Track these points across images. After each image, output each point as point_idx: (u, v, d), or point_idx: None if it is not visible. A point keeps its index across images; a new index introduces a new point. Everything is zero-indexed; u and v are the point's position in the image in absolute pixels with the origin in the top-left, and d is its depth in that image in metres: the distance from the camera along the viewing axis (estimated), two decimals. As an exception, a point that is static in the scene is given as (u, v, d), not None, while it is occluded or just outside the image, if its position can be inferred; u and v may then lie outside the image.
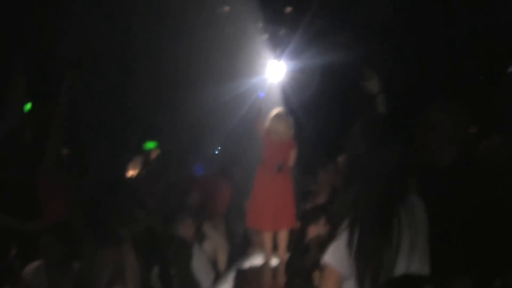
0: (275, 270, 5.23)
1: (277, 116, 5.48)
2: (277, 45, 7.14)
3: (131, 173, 8.80)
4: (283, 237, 5.31)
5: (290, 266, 4.83)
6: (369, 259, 2.00)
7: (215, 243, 5.03)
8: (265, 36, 7.09)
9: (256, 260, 5.70)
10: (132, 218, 3.60)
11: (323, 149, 8.45)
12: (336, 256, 2.06)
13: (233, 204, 6.17)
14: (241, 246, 6.26)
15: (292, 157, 5.59)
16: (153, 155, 7.19)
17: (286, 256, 5.21)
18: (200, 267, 4.40)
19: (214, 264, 4.93)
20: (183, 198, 5.61)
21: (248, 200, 6.62)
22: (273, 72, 6.72)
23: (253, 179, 6.72)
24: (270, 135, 5.39)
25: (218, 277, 4.97)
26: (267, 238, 5.28)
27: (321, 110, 8.61)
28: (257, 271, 5.28)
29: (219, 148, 8.36)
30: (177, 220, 4.46)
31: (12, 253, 3.71)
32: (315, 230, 4.28)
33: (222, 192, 5.91)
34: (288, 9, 7.20)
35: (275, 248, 5.47)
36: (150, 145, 10.86)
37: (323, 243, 3.86)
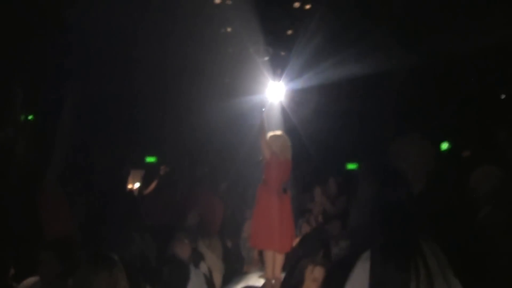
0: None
1: (279, 137, 5.55)
2: (277, 66, 7.24)
3: (130, 186, 8.87)
4: (279, 257, 5.37)
5: (285, 285, 4.89)
6: None
7: (210, 262, 5.07)
8: (265, 57, 7.18)
9: (252, 279, 5.77)
10: (127, 240, 3.64)
11: (321, 168, 8.55)
12: None
13: (227, 222, 6.23)
14: (235, 264, 6.31)
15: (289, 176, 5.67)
16: (162, 171, 7.22)
17: (281, 275, 5.28)
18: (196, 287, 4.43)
19: (210, 283, 4.95)
20: (183, 217, 5.66)
21: (242, 218, 6.71)
22: (273, 92, 6.81)
23: (246, 197, 6.81)
24: (274, 155, 5.44)
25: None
26: (270, 256, 5.33)
27: (319, 129, 8.70)
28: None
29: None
30: (173, 240, 4.51)
31: (10, 274, 3.74)
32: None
33: (216, 211, 5.96)
34: (289, 32, 7.31)
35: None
36: (150, 159, 10.96)
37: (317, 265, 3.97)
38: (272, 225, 5.26)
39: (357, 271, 2.02)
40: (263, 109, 5.86)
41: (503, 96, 7.15)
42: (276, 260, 5.35)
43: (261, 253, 5.84)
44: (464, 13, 6.51)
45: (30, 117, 6.76)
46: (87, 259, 2.86)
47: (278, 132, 5.67)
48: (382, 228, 2.08)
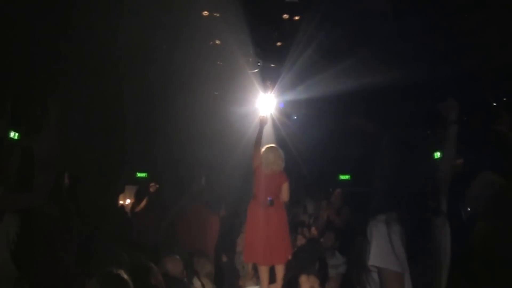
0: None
1: (268, 149, 5.46)
2: (268, 78, 7.21)
3: (122, 203, 8.75)
4: (279, 270, 5.26)
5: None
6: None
7: (204, 278, 4.96)
8: (255, 69, 7.16)
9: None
10: (117, 257, 3.55)
11: (313, 181, 8.50)
12: (395, 261, 2.07)
13: (221, 238, 6.12)
14: (231, 279, 6.20)
15: (285, 190, 5.52)
16: (152, 189, 7.11)
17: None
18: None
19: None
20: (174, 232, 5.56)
21: (235, 234, 6.61)
22: (263, 104, 6.76)
23: (240, 213, 6.70)
24: (262, 168, 5.35)
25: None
26: (264, 271, 5.23)
27: (310, 141, 8.67)
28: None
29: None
30: (165, 257, 4.40)
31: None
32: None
33: (212, 226, 5.84)
34: (279, 44, 7.29)
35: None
36: (141, 174, 10.87)
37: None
38: (261, 239, 5.17)
39: (379, 230, 2.09)
40: (263, 116, 5.76)
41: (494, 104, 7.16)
42: (277, 272, 5.26)
43: (255, 267, 5.74)
44: (454, 31, 6.56)
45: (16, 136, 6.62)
46: (98, 279, 2.77)
47: (272, 145, 5.60)
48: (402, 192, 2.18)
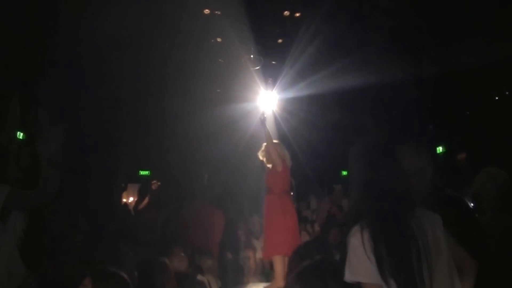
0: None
1: (282, 146, 5.53)
2: (269, 75, 7.22)
3: (124, 201, 8.78)
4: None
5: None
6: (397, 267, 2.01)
7: (209, 275, 4.98)
8: (257, 66, 7.17)
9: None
10: (119, 255, 3.56)
11: (316, 177, 8.52)
12: (366, 273, 2.05)
13: (226, 235, 6.15)
14: (237, 275, 6.23)
15: None
16: (153, 186, 7.14)
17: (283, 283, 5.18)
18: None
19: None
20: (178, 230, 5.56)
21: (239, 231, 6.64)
22: (265, 101, 6.78)
23: (243, 210, 6.71)
24: (285, 165, 5.39)
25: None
26: (280, 262, 5.24)
27: (313, 138, 8.68)
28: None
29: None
30: (170, 254, 4.42)
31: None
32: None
33: (217, 223, 5.86)
34: (280, 41, 7.31)
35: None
36: (144, 172, 10.91)
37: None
38: (288, 232, 5.20)
39: (353, 245, 2.03)
40: (263, 116, 5.77)
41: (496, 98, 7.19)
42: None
43: (255, 262, 5.77)
44: (455, 27, 6.58)
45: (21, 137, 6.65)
46: (97, 277, 2.77)
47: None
48: (373, 205, 2.09)
